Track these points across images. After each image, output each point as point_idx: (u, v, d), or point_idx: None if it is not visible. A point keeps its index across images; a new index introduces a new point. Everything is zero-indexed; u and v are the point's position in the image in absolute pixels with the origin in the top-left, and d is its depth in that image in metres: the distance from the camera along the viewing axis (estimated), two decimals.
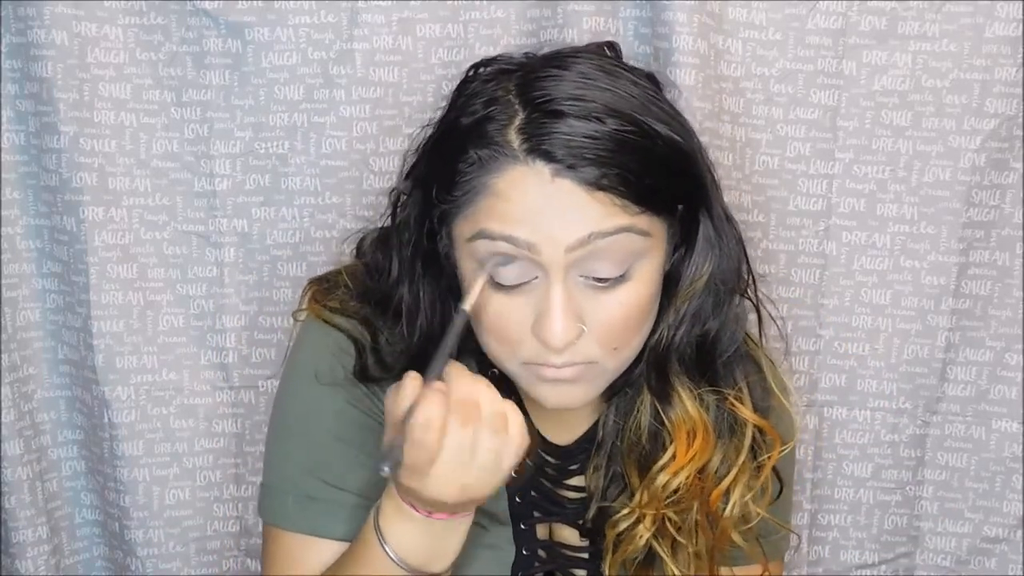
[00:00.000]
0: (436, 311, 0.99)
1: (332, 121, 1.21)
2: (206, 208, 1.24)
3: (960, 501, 1.35)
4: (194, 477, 1.29)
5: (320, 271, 1.23)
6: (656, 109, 0.93)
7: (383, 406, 0.92)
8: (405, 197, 1.01)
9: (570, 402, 0.96)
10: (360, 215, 1.23)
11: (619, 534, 1.03)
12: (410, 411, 0.84)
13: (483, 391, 0.87)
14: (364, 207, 1.23)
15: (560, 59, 0.95)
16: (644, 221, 0.91)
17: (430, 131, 0.99)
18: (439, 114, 1.00)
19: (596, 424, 1.06)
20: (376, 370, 1.00)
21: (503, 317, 0.92)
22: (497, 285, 0.91)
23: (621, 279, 0.91)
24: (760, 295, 1.06)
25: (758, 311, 1.06)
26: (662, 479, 1.00)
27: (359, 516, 0.97)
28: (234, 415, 1.29)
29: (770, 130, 1.25)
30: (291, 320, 1.14)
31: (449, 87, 1.19)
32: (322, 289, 1.06)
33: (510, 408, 0.87)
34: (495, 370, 1.00)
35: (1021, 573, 1.34)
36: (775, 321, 1.09)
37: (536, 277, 0.91)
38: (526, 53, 1.02)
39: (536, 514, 1.06)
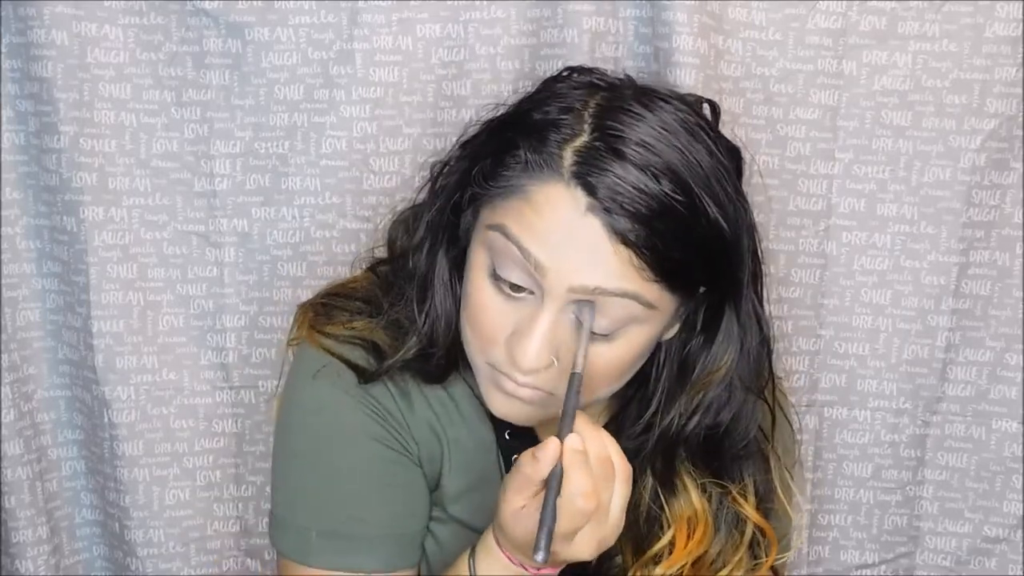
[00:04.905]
0: (448, 288, 0.97)
1: (332, 121, 1.21)
2: (206, 208, 1.24)
3: (960, 501, 1.35)
4: (194, 477, 1.29)
5: (320, 271, 1.24)
6: (718, 187, 0.90)
7: (397, 428, 0.96)
8: (451, 165, 0.99)
9: (515, 418, 0.95)
10: (360, 215, 1.23)
11: None
12: (553, 474, 0.83)
13: (611, 447, 0.87)
14: (364, 207, 1.22)
15: (650, 97, 0.92)
16: (654, 292, 0.89)
17: (500, 111, 0.98)
18: (514, 98, 0.98)
19: None
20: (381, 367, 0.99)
21: (488, 314, 0.91)
22: (495, 276, 0.90)
23: (607, 336, 0.90)
24: (777, 395, 1.04)
25: (772, 415, 1.03)
26: (658, 570, 0.99)
27: (386, 547, 0.98)
28: (234, 415, 1.29)
29: (770, 130, 1.25)
30: (291, 319, 1.13)
31: (449, 87, 1.20)
32: (319, 316, 1.03)
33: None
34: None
35: (1021, 573, 1.34)
36: (788, 420, 1.06)
37: (532, 292, 0.90)
38: (626, 75, 1.00)
39: None
